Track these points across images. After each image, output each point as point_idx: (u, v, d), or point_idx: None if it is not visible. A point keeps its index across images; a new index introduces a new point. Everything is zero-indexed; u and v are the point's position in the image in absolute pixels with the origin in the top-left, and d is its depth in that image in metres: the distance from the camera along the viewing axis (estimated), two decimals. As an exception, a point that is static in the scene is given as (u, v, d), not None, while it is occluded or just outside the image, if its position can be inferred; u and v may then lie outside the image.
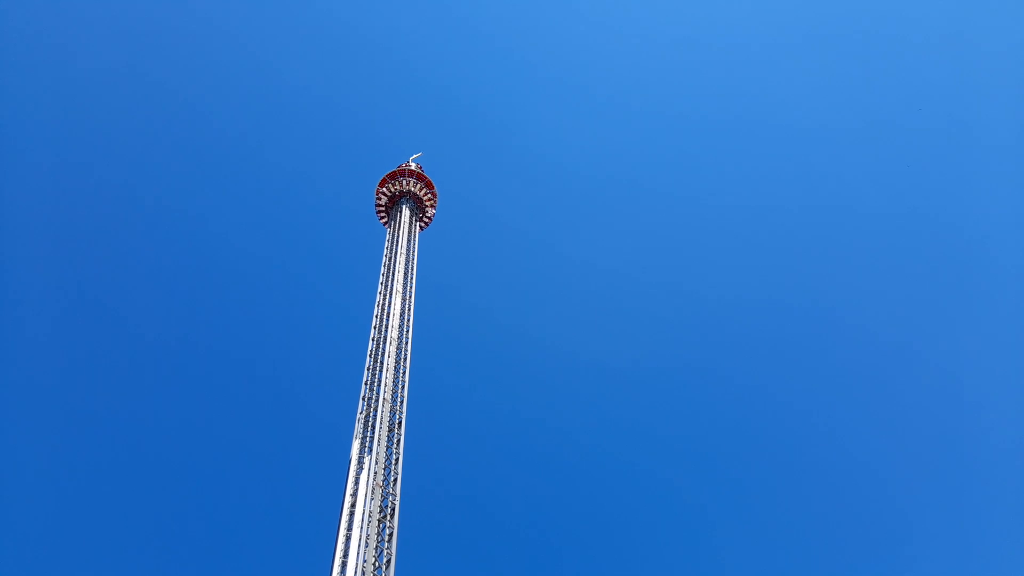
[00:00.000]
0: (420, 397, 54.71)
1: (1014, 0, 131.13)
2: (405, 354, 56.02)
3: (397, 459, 46.85)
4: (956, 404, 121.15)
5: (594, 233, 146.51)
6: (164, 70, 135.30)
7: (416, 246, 70.17)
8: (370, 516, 42.14)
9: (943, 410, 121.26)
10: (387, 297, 61.16)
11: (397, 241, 68.75)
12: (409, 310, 60.96)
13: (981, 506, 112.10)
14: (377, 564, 40.58)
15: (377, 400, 50.26)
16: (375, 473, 44.76)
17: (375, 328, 57.81)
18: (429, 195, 77.12)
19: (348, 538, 41.06)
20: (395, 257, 66.29)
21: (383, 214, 76.10)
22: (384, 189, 76.42)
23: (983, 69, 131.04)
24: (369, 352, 55.32)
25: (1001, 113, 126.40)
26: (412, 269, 66.24)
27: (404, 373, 54.16)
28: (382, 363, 53.55)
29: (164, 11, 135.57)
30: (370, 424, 48.64)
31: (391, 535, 42.21)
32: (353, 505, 43.00)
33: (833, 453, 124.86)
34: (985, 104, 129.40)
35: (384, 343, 55.71)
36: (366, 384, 52.22)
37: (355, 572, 39.10)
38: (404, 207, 74.01)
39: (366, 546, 40.60)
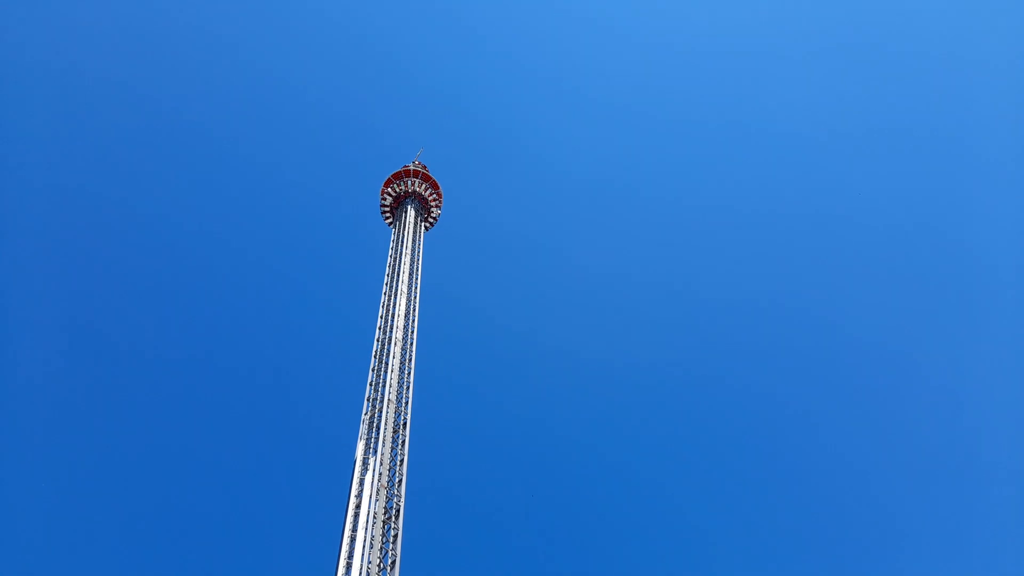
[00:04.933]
0: (425, 398, 54.74)
1: (1014, 1, 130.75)
2: (410, 355, 55.99)
3: (402, 460, 46.84)
4: (952, 410, 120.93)
5: (599, 236, 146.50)
6: (169, 71, 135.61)
7: (421, 247, 70.13)
8: (375, 517, 42.14)
9: (939, 416, 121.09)
10: (392, 298, 61.13)
11: (402, 241, 68.71)
12: (414, 311, 60.94)
13: (976, 513, 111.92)
14: (382, 565, 40.57)
15: (382, 401, 50.24)
16: (380, 474, 44.74)
17: (380, 329, 57.80)
18: (434, 195, 77.11)
19: (353, 539, 41.06)
20: (400, 257, 66.25)
21: (388, 214, 76.10)
22: (389, 189, 76.42)
23: (982, 75, 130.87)
24: (374, 353, 55.34)
25: (999, 119, 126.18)
26: (417, 270, 66.23)
27: (409, 374, 54.12)
28: (387, 364, 53.54)
29: (169, 11, 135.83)
30: (375, 425, 48.63)
31: (396, 536, 42.20)
32: (358, 506, 43.02)
33: (828, 458, 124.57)
34: (983, 110, 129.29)
35: (389, 344, 55.70)
36: (371, 385, 52.24)
37: (360, 573, 39.09)
38: (409, 207, 73.98)
39: (371, 547, 40.60)
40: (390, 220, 75.43)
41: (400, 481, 45.39)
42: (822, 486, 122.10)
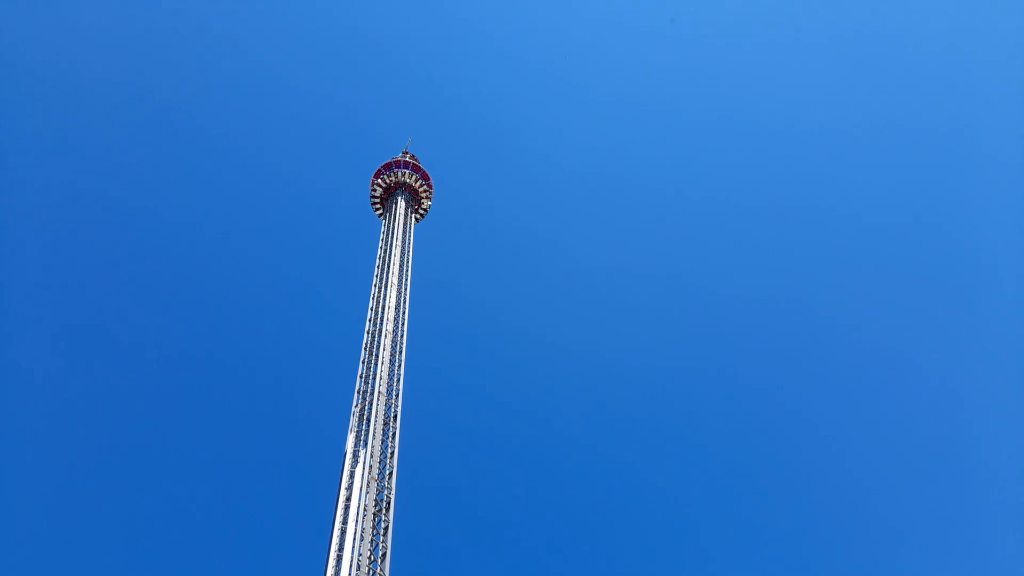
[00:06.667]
0: (415, 390, 54.71)
1: (1014, 0, 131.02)
2: (400, 347, 55.89)
3: (392, 452, 46.82)
4: (951, 409, 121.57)
5: (591, 228, 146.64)
6: (157, 65, 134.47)
7: (411, 238, 69.89)
8: (365, 510, 42.13)
9: (939, 416, 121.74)
10: (382, 289, 60.95)
11: (392, 233, 68.43)
12: (404, 302, 60.81)
13: (974, 512, 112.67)
14: (372, 557, 40.60)
15: (372, 393, 50.16)
16: (370, 467, 44.71)
17: (370, 321, 57.63)
18: (425, 186, 76.76)
19: (343, 532, 41.07)
20: (390, 249, 66.00)
21: (378, 205, 75.77)
22: (379, 180, 76.03)
23: (984, 72, 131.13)
24: (364, 345, 55.20)
25: (1000, 116, 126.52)
26: (407, 261, 65.99)
27: (399, 366, 54.04)
28: (377, 356, 53.42)
29: (158, 6, 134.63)
30: (365, 417, 48.56)
31: (386, 528, 42.24)
32: (348, 499, 43.00)
33: (828, 457, 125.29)
34: (984, 108, 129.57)
35: (379, 336, 55.57)
36: (361, 377, 52.13)
37: (350, 565, 39.10)
38: (399, 198, 73.66)
39: (361, 539, 40.62)
40: (380, 211, 75.12)
41: (390, 474, 45.38)
42: (822, 485, 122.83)
